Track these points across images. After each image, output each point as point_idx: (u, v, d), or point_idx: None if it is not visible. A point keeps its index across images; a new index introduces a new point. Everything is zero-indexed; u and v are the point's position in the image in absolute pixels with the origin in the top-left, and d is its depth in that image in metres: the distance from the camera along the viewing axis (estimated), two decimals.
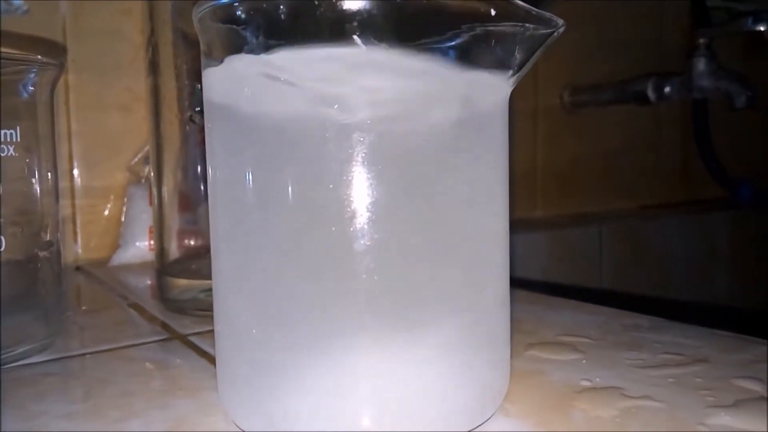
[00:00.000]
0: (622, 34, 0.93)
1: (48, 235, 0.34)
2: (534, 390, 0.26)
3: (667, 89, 0.83)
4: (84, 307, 0.44)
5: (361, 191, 0.19)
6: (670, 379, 0.26)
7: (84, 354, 0.32)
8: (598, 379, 0.26)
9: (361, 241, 0.19)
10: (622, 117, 0.93)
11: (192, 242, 0.43)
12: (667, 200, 0.99)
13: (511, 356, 0.25)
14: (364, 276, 0.20)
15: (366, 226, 0.19)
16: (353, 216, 0.19)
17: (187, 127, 0.41)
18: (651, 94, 0.83)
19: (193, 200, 0.42)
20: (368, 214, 0.19)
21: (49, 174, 0.34)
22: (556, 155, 0.88)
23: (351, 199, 0.19)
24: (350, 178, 0.19)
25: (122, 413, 0.24)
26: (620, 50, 0.92)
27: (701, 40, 0.84)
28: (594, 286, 0.79)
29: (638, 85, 0.84)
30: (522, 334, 0.33)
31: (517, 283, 0.43)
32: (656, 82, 0.83)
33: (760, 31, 0.82)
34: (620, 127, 0.94)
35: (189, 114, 0.40)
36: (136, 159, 0.61)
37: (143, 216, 0.58)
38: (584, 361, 0.29)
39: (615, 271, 0.81)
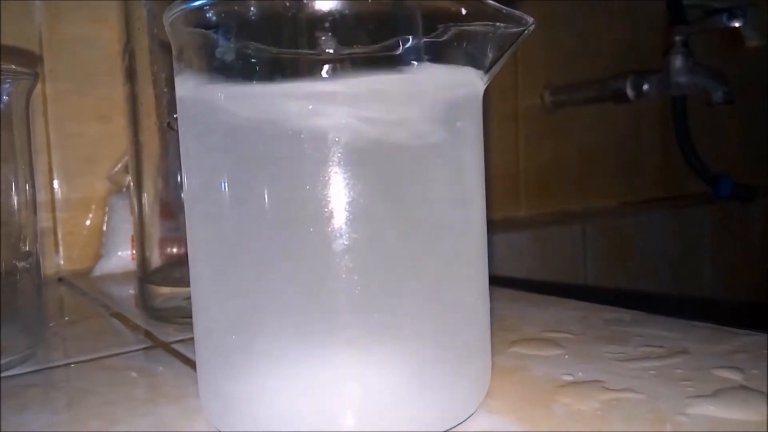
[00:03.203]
0: (599, 33, 0.94)
1: (27, 246, 0.34)
2: (517, 386, 0.26)
3: (645, 87, 0.84)
4: (66, 318, 0.43)
5: (338, 191, 0.19)
6: (651, 371, 0.26)
7: (66, 364, 0.32)
8: (580, 373, 0.27)
9: (340, 241, 0.20)
10: (603, 115, 0.93)
11: (174, 250, 0.42)
12: (649, 196, 0.99)
13: (495, 353, 0.25)
14: (344, 276, 0.20)
15: (344, 226, 0.20)
16: (331, 216, 0.19)
17: (168, 135, 0.41)
18: (630, 92, 0.84)
19: (175, 208, 0.42)
20: (346, 213, 0.20)
21: (27, 184, 0.34)
22: (538, 155, 0.89)
23: (328, 199, 0.19)
24: (327, 178, 0.19)
25: (104, 422, 0.24)
26: (598, 50, 0.93)
27: (677, 38, 0.85)
28: (578, 283, 0.79)
29: (617, 83, 0.85)
30: (505, 332, 0.33)
31: (502, 281, 0.43)
32: (635, 80, 0.84)
33: (735, 27, 0.84)
34: (601, 126, 0.95)
35: (167, 121, 0.39)
36: (117, 168, 0.60)
37: (125, 225, 0.58)
38: (566, 356, 0.29)
39: (599, 268, 0.82)
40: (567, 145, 0.91)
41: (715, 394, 0.24)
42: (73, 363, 0.32)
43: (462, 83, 0.22)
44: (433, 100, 0.21)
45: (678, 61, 0.83)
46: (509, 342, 0.31)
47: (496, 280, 0.25)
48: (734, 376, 0.26)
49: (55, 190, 0.59)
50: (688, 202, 0.99)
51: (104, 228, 0.60)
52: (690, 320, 0.33)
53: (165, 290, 0.40)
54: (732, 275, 0.96)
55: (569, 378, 0.26)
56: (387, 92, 0.20)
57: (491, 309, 0.25)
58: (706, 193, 1.01)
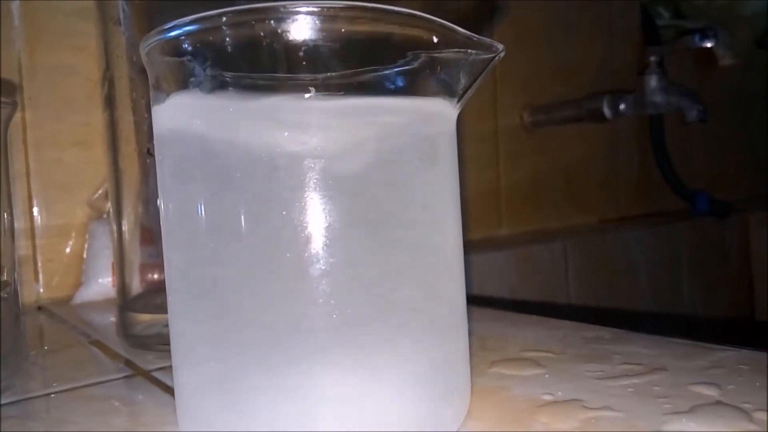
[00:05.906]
0: (576, 54, 0.96)
1: (4, 275, 0.33)
2: (497, 406, 0.26)
3: (622, 106, 0.85)
4: (46, 347, 0.43)
5: (314, 217, 0.20)
6: (629, 389, 0.27)
7: (45, 395, 0.32)
8: (559, 392, 0.27)
9: (316, 266, 0.20)
10: (581, 134, 0.95)
11: (155, 276, 0.42)
12: (628, 213, 1.01)
13: (475, 374, 0.25)
14: (321, 300, 0.20)
15: (320, 251, 0.20)
16: (307, 241, 0.20)
17: (148, 161, 0.41)
18: (607, 111, 0.85)
19: (155, 234, 0.42)
20: (322, 238, 0.20)
21: (5, 212, 0.34)
22: (518, 174, 0.90)
23: (304, 224, 0.20)
24: (303, 204, 0.20)
25: None
26: (575, 70, 0.95)
27: (652, 58, 0.86)
28: (561, 301, 0.80)
29: (594, 103, 0.86)
30: (486, 352, 0.33)
31: (483, 301, 0.43)
32: (611, 100, 0.85)
33: (708, 47, 0.85)
34: (580, 144, 0.96)
35: (147, 147, 0.39)
36: (97, 194, 0.60)
37: (106, 252, 0.57)
38: (546, 376, 0.29)
39: (580, 285, 0.82)
40: (547, 164, 0.92)
41: (692, 410, 0.24)
42: (53, 393, 0.32)
43: (435, 111, 0.22)
44: (407, 127, 0.21)
45: (653, 81, 0.85)
46: (490, 362, 0.31)
47: (477, 300, 0.25)
48: (711, 392, 0.26)
49: (35, 217, 0.59)
50: (666, 218, 1.00)
51: (84, 255, 0.59)
52: (668, 337, 0.34)
53: (145, 317, 0.40)
54: (709, 290, 0.97)
55: (549, 397, 0.26)
56: (361, 119, 0.20)
57: (472, 329, 0.25)
58: (683, 210, 1.02)
